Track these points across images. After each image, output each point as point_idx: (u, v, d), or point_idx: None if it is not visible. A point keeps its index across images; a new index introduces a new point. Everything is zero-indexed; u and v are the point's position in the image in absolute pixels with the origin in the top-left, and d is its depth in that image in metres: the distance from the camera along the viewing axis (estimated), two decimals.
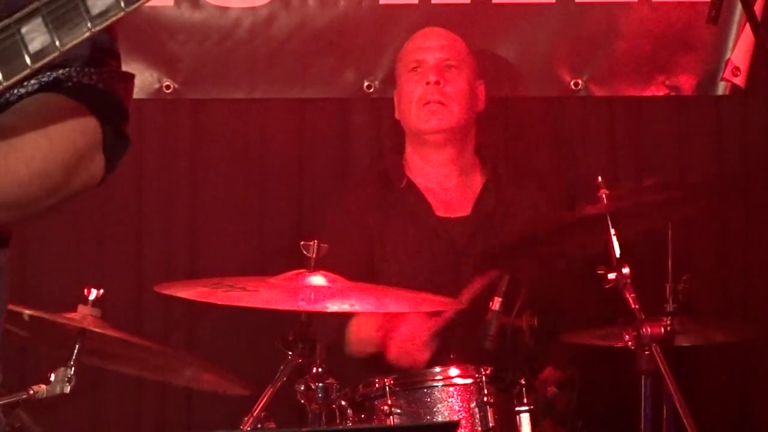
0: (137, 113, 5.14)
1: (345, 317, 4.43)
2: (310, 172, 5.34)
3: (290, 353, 4.11)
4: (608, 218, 4.16)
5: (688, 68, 5.34)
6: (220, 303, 4.21)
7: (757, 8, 5.16)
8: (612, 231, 4.14)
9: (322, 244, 4.21)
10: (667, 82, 5.35)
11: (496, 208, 4.84)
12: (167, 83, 5.14)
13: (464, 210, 4.89)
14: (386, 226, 4.85)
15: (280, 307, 4.23)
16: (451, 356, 4.16)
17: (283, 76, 5.22)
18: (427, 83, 4.76)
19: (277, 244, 5.19)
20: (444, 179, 4.90)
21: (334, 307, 4.22)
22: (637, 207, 4.35)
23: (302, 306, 4.13)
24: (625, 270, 4.05)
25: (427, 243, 4.87)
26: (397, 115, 4.92)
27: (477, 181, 4.92)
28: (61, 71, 2.25)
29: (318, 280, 4.17)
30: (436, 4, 5.31)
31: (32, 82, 2.20)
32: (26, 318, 4.01)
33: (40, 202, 2.21)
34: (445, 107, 4.79)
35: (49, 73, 2.20)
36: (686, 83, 5.35)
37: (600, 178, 4.28)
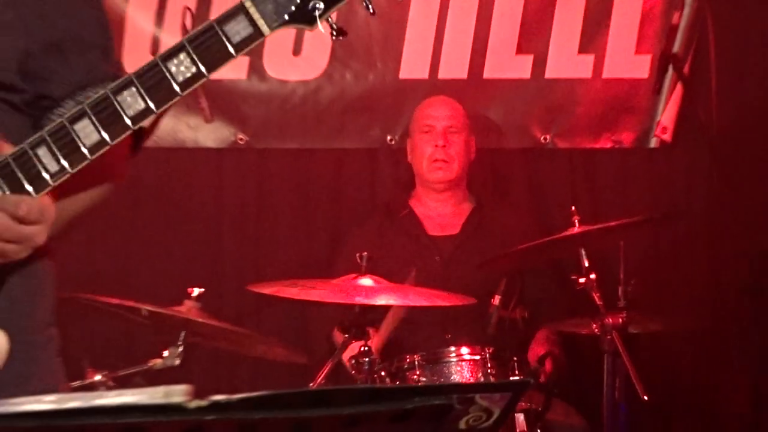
0: (219, 158, 5.33)
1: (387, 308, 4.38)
2: (346, 201, 5.36)
3: (346, 335, 4.18)
4: (579, 238, 4.27)
5: (628, 127, 5.38)
6: (296, 298, 4.30)
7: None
8: (582, 248, 4.24)
9: (370, 256, 4.29)
10: (612, 137, 5.38)
11: (478, 229, 4.89)
12: (240, 137, 5.19)
13: (454, 230, 4.93)
14: (389, 244, 4.90)
15: (340, 302, 4.28)
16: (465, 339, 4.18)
17: (326, 131, 5.29)
18: (435, 146, 4.83)
19: (323, 254, 5.23)
20: (441, 208, 4.95)
21: (381, 301, 4.25)
22: (598, 231, 4.34)
23: (358, 300, 4.19)
24: (592, 276, 4.14)
25: (419, 254, 4.89)
26: (409, 160, 4.99)
27: (466, 208, 4.98)
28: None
29: (367, 281, 4.25)
30: (441, 79, 5.36)
31: None
32: (145, 313, 4.10)
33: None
34: (448, 164, 4.88)
35: None
36: (627, 138, 5.39)
37: (573, 207, 4.35)
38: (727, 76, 5.07)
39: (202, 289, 4.27)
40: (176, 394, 1.35)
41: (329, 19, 2.09)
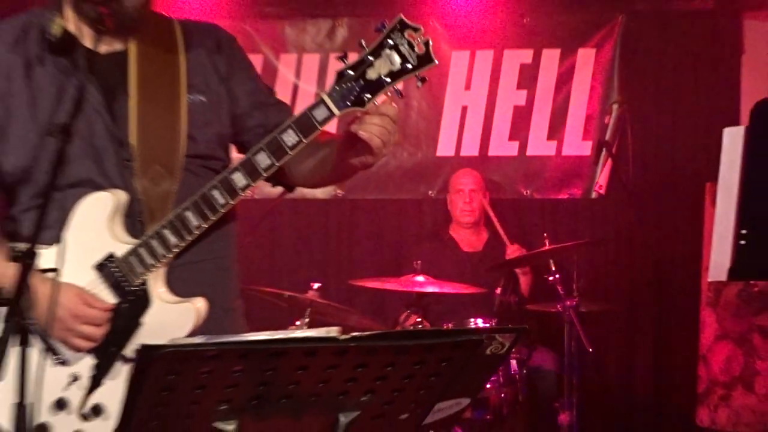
0: (326, 206, 5.61)
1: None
2: (406, 230, 5.65)
3: (408, 311, 4.55)
4: (549, 253, 4.61)
5: (578, 185, 5.67)
6: (378, 287, 4.72)
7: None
8: (551, 259, 4.61)
9: (422, 262, 4.65)
10: (569, 192, 5.70)
11: (493, 248, 5.10)
12: (339, 192, 5.57)
13: (478, 248, 5.21)
14: (439, 256, 5.11)
15: (407, 290, 4.65)
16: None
17: (393, 188, 5.59)
18: (464, 201, 5.16)
19: (394, 262, 5.45)
20: (469, 236, 5.21)
21: (429, 290, 4.59)
22: (561, 249, 4.68)
23: (416, 289, 4.59)
24: (557, 276, 4.54)
25: (458, 263, 5.12)
26: (448, 207, 5.28)
27: (484, 236, 5.24)
28: None
29: (420, 278, 4.62)
30: (462, 156, 5.64)
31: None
32: (286, 296, 4.34)
33: None
34: (471, 212, 5.18)
35: None
36: (577, 192, 5.67)
37: (545, 234, 4.83)
38: (639, 154, 5.21)
39: (320, 284, 4.53)
40: (333, 331, 1.68)
41: (375, 102, 2.20)
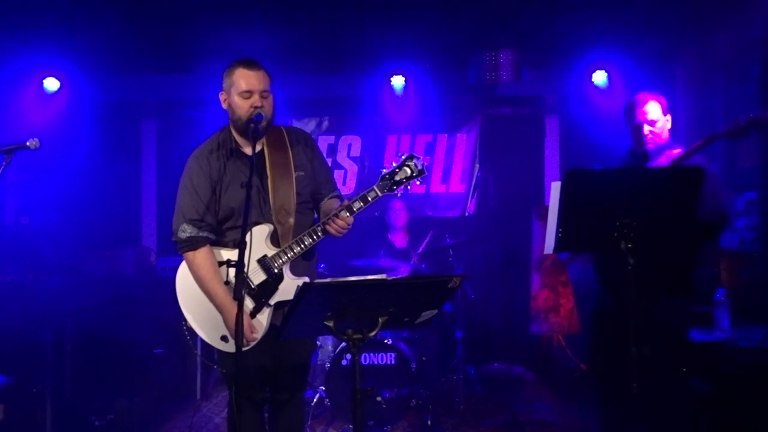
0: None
1: None
2: (369, 232, 4.92)
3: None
4: (448, 246, 4.32)
5: (458, 209, 5.56)
6: (362, 265, 4.29)
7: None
8: (450, 250, 4.35)
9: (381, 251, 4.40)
10: (452, 212, 5.58)
11: (413, 244, 4.61)
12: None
13: (404, 245, 4.72)
14: (384, 248, 4.58)
15: (376, 266, 4.26)
16: None
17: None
18: (395, 217, 4.69)
19: (367, 252, 4.66)
20: (400, 237, 4.71)
21: (385, 265, 4.20)
22: (454, 244, 4.28)
23: (380, 265, 4.25)
24: (451, 259, 4.31)
25: (393, 252, 4.58)
26: (388, 221, 4.72)
27: (407, 237, 4.70)
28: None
29: (381, 259, 4.31)
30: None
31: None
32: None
33: None
34: (400, 221, 4.69)
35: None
36: (458, 212, 5.57)
37: (447, 235, 4.53)
38: (495, 190, 5.35)
39: (324, 264, 4.06)
40: (383, 277, 1.69)
41: (397, 192, 2.29)
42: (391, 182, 2.36)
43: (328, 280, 1.80)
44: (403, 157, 2.35)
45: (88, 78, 5.08)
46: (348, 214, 2.33)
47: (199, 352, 2.52)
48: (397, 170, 2.35)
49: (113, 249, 4.92)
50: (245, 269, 2.26)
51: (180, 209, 2.48)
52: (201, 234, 2.43)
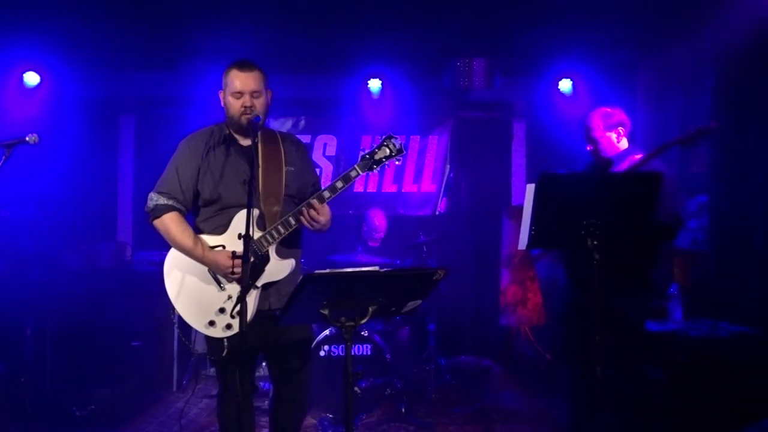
0: None
1: None
2: (348, 229, 4.98)
3: None
4: (422, 243, 4.41)
5: (429, 207, 5.49)
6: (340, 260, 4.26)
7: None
8: (424, 247, 4.42)
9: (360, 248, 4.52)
10: (424, 211, 5.55)
11: (390, 241, 4.66)
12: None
13: (376, 244, 4.76)
14: (361, 245, 4.60)
15: (358, 261, 4.26)
16: None
17: (336, 208, 3.95)
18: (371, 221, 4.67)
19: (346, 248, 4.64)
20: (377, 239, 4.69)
21: (365, 260, 4.22)
22: (427, 241, 4.36)
23: (359, 260, 4.27)
24: (425, 255, 4.44)
25: (370, 248, 4.64)
26: (366, 221, 4.73)
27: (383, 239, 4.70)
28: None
29: (362, 254, 4.31)
30: (370, 192, 5.31)
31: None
32: None
33: None
34: (379, 224, 4.68)
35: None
36: (429, 211, 5.46)
37: (421, 233, 4.63)
38: (467, 190, 5.37)
39: (304, 259, 3.27)
40: (374, 268, 1.69)
41: (376, 170, 2.23)
42: (371, 161, 2.38)
43: (327, 270, 1.85)
44: (381, 137, 2.39)
45: (69, 73, 5.01)
46: (320, 202, 2.36)
47: (194, 345, 2.88)
48: (376, 150, 2.38)
49: (90, 243, 4.90)
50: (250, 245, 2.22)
51: (158, 182, 2.54)
52: (166, 202, 2.47)
